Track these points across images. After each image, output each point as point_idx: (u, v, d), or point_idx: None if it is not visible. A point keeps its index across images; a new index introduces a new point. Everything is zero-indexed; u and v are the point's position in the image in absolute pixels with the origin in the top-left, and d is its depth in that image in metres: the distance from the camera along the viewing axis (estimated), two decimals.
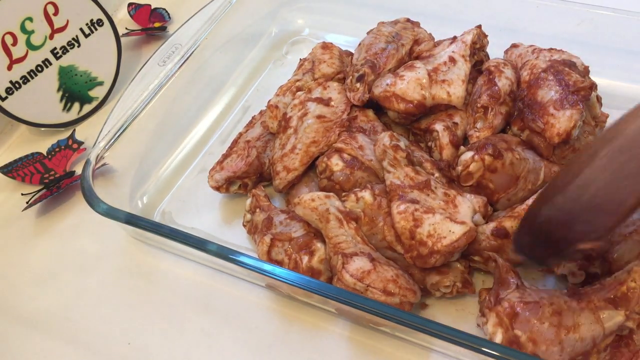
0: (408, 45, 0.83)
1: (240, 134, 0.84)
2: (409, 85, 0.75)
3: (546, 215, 0.57)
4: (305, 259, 0.67)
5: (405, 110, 0.76)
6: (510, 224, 0.67)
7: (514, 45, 0.85)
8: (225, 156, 0.81)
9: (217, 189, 0.79)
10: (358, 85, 0.79)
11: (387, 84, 0.76)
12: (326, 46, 0.88)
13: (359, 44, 0.85)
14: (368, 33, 0.86)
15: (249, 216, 0.76)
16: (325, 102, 0.78)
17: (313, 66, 0.85)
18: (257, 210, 0.75)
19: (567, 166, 0.61)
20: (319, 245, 0.67)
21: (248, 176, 0.79)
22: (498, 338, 0.58)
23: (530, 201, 0.66)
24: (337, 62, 0.85)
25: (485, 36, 0.81)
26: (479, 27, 0.80)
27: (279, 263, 0.68)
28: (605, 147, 0.55)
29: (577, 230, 0.54)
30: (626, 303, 0.59)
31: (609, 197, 0.54)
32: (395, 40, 0.83)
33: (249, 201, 0.77)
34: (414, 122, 0.79)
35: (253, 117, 0.86)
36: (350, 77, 0.80)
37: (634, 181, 0.53)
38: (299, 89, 0.82)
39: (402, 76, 0.77)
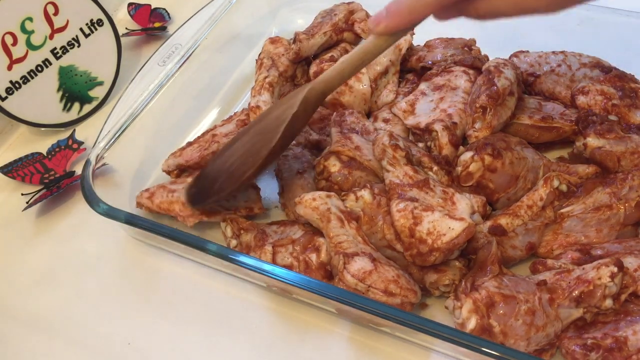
0: (341, 14, 0.90)
1: (215, 127, 0.84)
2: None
3: (208, 171, 0.72)
4: (314, 256, 0.67)
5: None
6: (505, 221, 0.67)
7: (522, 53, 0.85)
8: (190, 144, 0.82)
9: (168, 173, 0.81)
10: (293, 46, 0.86)
11: (336, 92, 0.82)
12: (275, 40, 0.89)
13: None
14: None
15: (234, 242, 0.73)
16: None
17: (273, 62, 0.86)
18: (242, 232, 0.73)
19: (236, 135, 0.73)
20: (321, 240, 0.68)
21: (198, 168, 0.78)
22: (471, 324, 0.60)
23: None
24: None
25: (412, 48, 0.88)
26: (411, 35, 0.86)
27: (288, 267, 0.67)
28: (254, 126, 0.70)
29: (216, 187, 0.70)
30: (590, 299, 0.61)
31: (238, 167, 0.69)
32: (329, 14, 0.91)
33: (228, 229, 0.74)
34: None
35: (234, 114, 0.87)
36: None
37: (254, 158, 0.67)
38: (271, 85, 0.83)
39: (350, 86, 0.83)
